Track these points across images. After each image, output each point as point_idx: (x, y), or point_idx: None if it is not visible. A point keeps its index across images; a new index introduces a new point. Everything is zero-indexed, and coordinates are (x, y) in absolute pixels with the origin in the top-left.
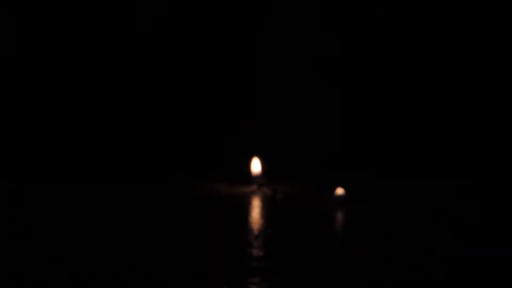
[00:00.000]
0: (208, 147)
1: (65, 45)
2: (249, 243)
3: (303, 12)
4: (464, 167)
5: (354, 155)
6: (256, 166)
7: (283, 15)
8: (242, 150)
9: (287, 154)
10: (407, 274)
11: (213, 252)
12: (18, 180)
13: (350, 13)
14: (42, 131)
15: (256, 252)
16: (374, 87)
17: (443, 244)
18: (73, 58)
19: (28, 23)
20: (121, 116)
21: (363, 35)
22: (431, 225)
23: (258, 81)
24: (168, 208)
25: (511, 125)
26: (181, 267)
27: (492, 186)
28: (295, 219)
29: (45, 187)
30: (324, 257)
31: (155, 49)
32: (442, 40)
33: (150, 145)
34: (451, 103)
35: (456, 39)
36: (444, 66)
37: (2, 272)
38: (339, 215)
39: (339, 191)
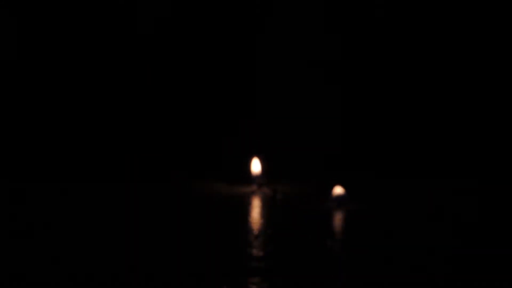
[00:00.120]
0: (208, 147)
1: (65, 45)
2: (249, 243)
3: (303, 12)
4: (464, 167)
5: (354, 155)
6: (256, 166)
7: (283, 15)
8: (242, 150)
9: (287, 154)
10: (407, 274)
11: (213, 252)
12: (18, 180)
13: (350, 13)
14: (42, 131)
15: (256, 252)
16: (374, 87)
17: (443, 244)
18: (73, 58)
19: (28, 23)
20: (121, 116)
21: (363, 35)
22: (431, 225)
23: (258, 81)
24: (168, 208)
25: (511, 125)
26: (181, 267)
27: (492, 186)
28: (295, 219)
29: (45, 187)
30: (324, 257)
31: (155, 49)
32: (442, 40)
33: (150, 145)
34: (451, 103)
35: (456, 39)
36: (444, 66)
37: (2, 272)
38: (339, 215)
39: (338, 190)
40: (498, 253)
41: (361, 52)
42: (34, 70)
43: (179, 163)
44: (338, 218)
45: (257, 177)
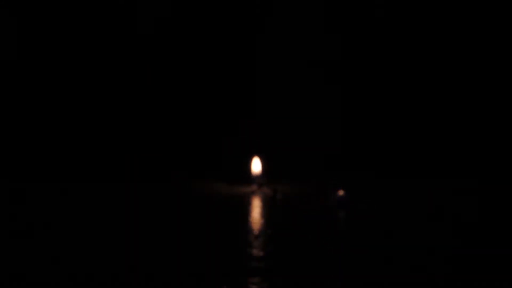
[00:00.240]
0: (208, 147)
1: (65, 45)
2: (249, 243)
3: (303, 12)
4: (464, 167)
5: (354, 155)
6: (256, 166)
7: (283, 15)
8: (242, 150)
9: (287, 154)
10: (407, 274)
11: (213, 252)
12: (18, 180)
13: (350, 13)
14: (42, 131)
15: (256, 252)
16: (374, 87)
17: (443, 244)
18: (73, 58)
19: (28, 23)
20: (121, 116)
21: (363, 35)
22: (431, 225)
23: (258, 81)
24: (168, 208)
25: (511, 125)
26: (181, 267)
27: (492, 186)
28: (295, 219)
29: (45, 187)
30: (324, 257)
31: (155, 49)
32: (442, 41)
33: (150, 145)
34: (451, 103)
35: (456, 39)
36: (444, 66)
37: (2, 272)
38: (339, 215)
39: (339, 191)
40: (498, 253)
41: (361, 52)
42: (34, 70)
43: (179, 163)
44: (338, 218)
45: (257, 177)
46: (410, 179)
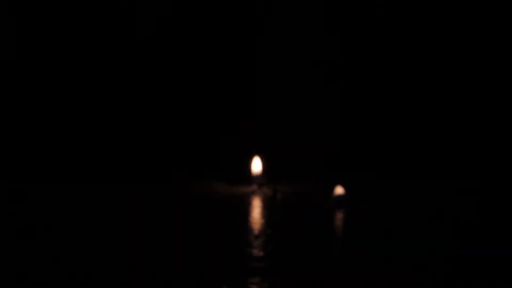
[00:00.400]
0: (208, 147)
1: (65, 45)
2: (249, 243)
3: (303, 12)
4: (464, 167)
5: (354, 155)
6: (256, 166)
7: (283, 15)
8: (242, 150)
9: (287, 154)
10: (407, 274)
11: (213, 252)
12: (18, 180)
13: (350, 13)
14: (42, 131)
15: (256, 252)
16: (374, 87)
17: (443, 244)
18: (73, 58)
19: (28, 23)
20: (121, 116)
21: (363, 35)
22: (431, 225)
23: (258, 81)
24: (168, 208)
25: (511, 125)
26: (181, 267)
27: (492, 186)
28: (295, 219)
29: (45, 187)
30: (324, 257)
31: (155, 49)
32: (442, 40)
33: (150, 145)
34: (451, 103)
35: (456, 39)
36: (444, 66)
37: (2, 272)
38: (339, 215)
39: (339, 191)
40: (498, 253)
41: (361, 52)
42: (34, 70)
43: (179, 163)
44: (338, 218)
45: (257, 177)
46: (410, 179)
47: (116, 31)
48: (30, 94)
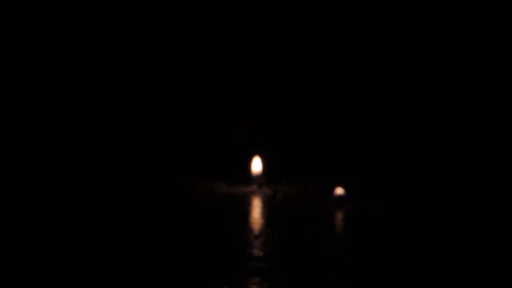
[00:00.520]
0: (208, 147)
1: (65, 45)
2: (249, 243)
3: (303, 12)
4: (464, 167)
5: (354, 155)
6: (256, 166)
7: (283, 15)
8: (242, 150)
9: (287, 154)
10: (407, 274)
11: (213, 252)
12: (18, 180)
13: (350, 13)
14: (42, 131)
15: (256, 252)
16: (374, 87)
17: (443, 244)
18: (73, 58)
19: (28, 23)
20: (121, 116)
21: (363, 35)
22: (431, 225)
23: (258, 81)
24: (168, 208)
25: (511, 125)
26: (181, 267)
27: (492, 186)
28: (295, 219)
29: (45, 187)
30: (324, 257)
31: (155, 49)
32: (442, 40)
33: (150, 145)
34: (451, 103)
35: (456, 39)
36: (444, 66)
37: (2, 272)
38: (339, 215)
39: (339, 191)
40: (498, 253)
41: (361, 52)
42: (33, 70)
43: (179, 163)
44: (338, 218)
45: (257, 177)
46: (410, 179)
47: (116, 31)
48: (30, 94)
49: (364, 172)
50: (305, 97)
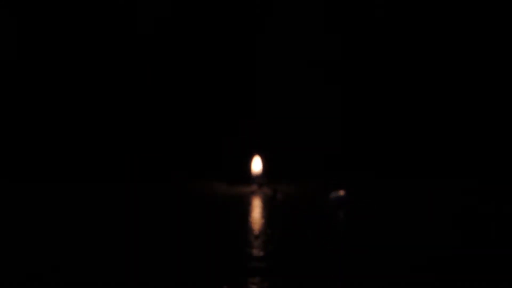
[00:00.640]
0: (208, 147)
1: (65, 45)
2: (249, 243)
3: (303, 12)
4: (464, 167)
5: (354, 155)
6: (256, 166)
7: (283, 15)
8: (242, 150)
9: (287, 154)
10: (407, 274)
11: (213, 252)
12: (18, 180)
13: (350, 13)
14: (42, 131)
15: (256, 252)
16: (374, 87)
17: (443, 244)
18: (73, 58)
19: (28, 23)
20: (121, 116)
21: (363, 35)
22: (431, 225)
23: (258, 81)
24: (168, 208)
25: (511, 125)
26: (181, 267)
27: (492, 186)
28: (295, 219)
29: (45, 187)
30: (324, 257)
31: (155, 49)
32: (442, 40)
33: (150, 145)
34: (451, 103)
35: (456, 39)
36: (444, 66)
37: (2, 272)
38: (339, 215)
39: (339, 191)
40: (498, 253)
41: (361, 52)
42: (33, 70)
43: (179, 163)
44: (338, 218)
45: (257, 177)
46: (410, 179)
47: (116, 31)
48: (30, 94)
49: (364, 172)
50: (305, 97)
